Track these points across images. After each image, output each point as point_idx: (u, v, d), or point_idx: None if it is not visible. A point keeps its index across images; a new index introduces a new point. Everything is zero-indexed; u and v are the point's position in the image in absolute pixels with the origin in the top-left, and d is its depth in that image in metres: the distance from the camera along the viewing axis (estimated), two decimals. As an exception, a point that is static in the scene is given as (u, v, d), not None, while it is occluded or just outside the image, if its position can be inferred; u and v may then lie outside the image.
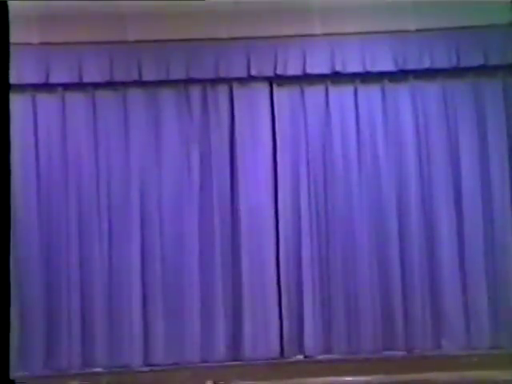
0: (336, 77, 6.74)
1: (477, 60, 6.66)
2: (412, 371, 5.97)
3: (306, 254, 6.63)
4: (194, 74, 6.62)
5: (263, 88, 6.81)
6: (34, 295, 6.37)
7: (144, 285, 6.53)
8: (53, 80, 6.49)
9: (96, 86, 6.61)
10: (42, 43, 6.40)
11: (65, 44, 6.42)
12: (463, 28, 6.59)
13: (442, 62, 6.68)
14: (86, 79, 6.52)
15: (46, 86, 6.50)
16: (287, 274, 6.65)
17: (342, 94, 6.81)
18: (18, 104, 5.79)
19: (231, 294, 6.57)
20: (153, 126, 6.68)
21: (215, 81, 6.70)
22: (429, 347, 6.52)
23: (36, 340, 6.32)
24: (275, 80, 6.78)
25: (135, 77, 6.57)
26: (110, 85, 6.60)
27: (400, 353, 6.51)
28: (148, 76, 6.58)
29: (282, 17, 6.49)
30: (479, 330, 6.53)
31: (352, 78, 6.77)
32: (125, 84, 6.64)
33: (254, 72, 6.66)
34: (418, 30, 6.62)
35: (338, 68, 6.68)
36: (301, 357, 6.55)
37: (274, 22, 6.49)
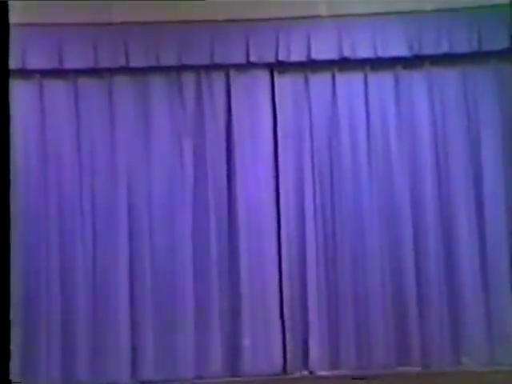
0: (344, 63, 6.54)
1: (501, 43, 6.33)
2: None
3: (310, 257, 6.40)
4: (187, 60, 6.42)
5: (263, 75, 6.60)
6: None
7: (132, 292, 6.26)
8: (29, 65, 6.21)
9: (78, 72, 6.38)
10: (16, 24, 5.85)
11: (43, 25, 6.16)
12: (486, 7, 6.35)
13: (461, 46, 6.46)
14: (66, 65, 6.29)
15: (22, 72, 6.17)
16: (290, 279, 6.39)
17: (350, 81, 6.61)
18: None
19: (228, 303, 6.34)
20: (142, 116, 6.46)
21: (210, 67, 6.51)
22: (447, 363, 6.25)
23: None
24: (276, 67, 6.57)
25: (122, 63, 6.36)
26: (93, 71, 6.39)
27: (415, 369, 6.23)
28: (136, 62, 6.38)
29: (284, -3, 6.28)
30: (504, 344, 6.21)
31: (361, 64, 6.55)
32: (110, 71, 6.42)
33: (253, 58, 6.46)
34: (434, 11, 6.41)
35: (346, 53, 6.48)
36: (305, 373, 6.30)
37: (276, 3, 6.32)
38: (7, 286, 2.82)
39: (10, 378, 5.09)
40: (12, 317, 5.63)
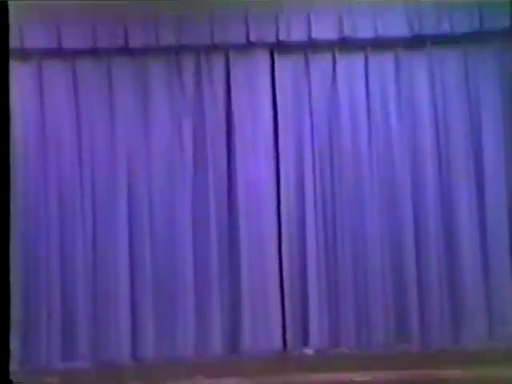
0: (344, 43, 6.50)
1: (501, 23, 6.32)
2: (428, 367, 5.66)
3: (310, 236, 6.39)
4: (186, 41, 6.37)
5: (263, 56, 6.55)
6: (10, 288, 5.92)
7: (132, 271, 6.25)
8: (27, 45, 6.17)
9: (77, 52, 6.32)
10: (15, 4, 5.89)
11: (41, 6, 6.08)
12: (486, -13, 6.35)
13: (462, 26, 6.42)
14: (65, 45, 6.24)
15: (20, 52, 6.12)
16: (290, 258, 6.39)
17: (350, 62, 6.56)
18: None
19: (228, 281, 6.33)
20: (141, 98, 6.41)
21: (210, 48, 6.45)
22: (447, 341, 6.25)
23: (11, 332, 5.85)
24: (277, 47, 6.53)
25: (121, 44, 6.30)
26: (92, 52, 6.33)
27: (415, 348, 6.23)
28: (135, 43, 6.31)
29: (284, -24, 6.23)
30: (503, 323, 6.21)
31: (362, 44, 6.51)
32: (109, 52, 6.37)
33: (253, 38, 6.40)
34: (435, -9, 6.33)
35: (347, 33, 6.43)
36: (305, 351, 6.27)
37: (276, -18, 6.26)
38: (7, 286, 2.91)
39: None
40: (13, 298, 5.71)
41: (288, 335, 6.27)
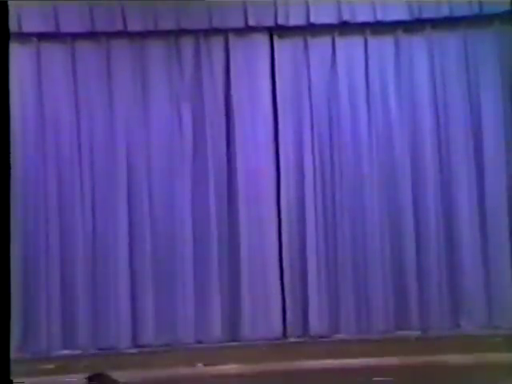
0: (344, 27, 6.44)
1: (501, 6, 6.24)
2: (427, 353, 5.69)
3: (310, 223, 6.36)
4: (185, 25, 6.31)
5: (263, 40, 6.51)
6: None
7: (132, 257, 6.22)
8: (26, 29, 6.10)
9: (75, 36, 6.28)
10: None
11: None
12: (486, -30, 6.26)
13: (462, 10, 6.39)
14: (63, 29, 6.18)
15: (18, 36, 6.03)
16: (290, 244, 6.36)
17: (350, 46, 6.52)
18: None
19: (228, 268, 6.30)
20: (139, 82, 6.36)
21: (209, 32, 6.41)
22: (446, 327, 6.27)
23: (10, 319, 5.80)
24: (276, 31, 6.48)
25: (119, 27, 6.25)
26: (91, 35, 6.29)
27: (414, 333, 6.25)
28: (134, 26, 6.27)
29: (283, -41, 6.13)
30: (502, 308, 6.20)
31: (362, 28, 6.46)
32: (108, 35, 6.34)
33: (252, 22, 6.35)
34: (435, -26, 6.27)
35: (346, 17, 6.37)
36: (305, 337, 6.26)
37: (275, -35, 6.23)
38: (7, 284, 2.79)
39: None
40: (12, 287, 5.68)
41: (288, 322, 6.24)
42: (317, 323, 6.22)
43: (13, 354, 5.59)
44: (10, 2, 5.81)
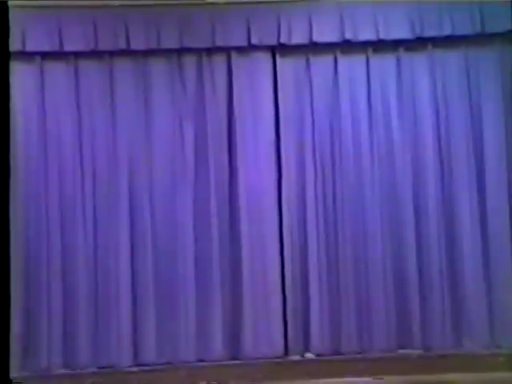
0: (346, 45, 6.45)
1: (503, 25, 6.25)
2: (429, 372, 5.73)
3: (312, 240, 6.34)
4: (188, 43, 6.31)
5: (265, 58, 6.50)
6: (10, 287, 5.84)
7: (133, 276, 6.18)
8: (30, 48, 6.12)
9: (78, 54, 6.28)
10: (16, 6, 5.81)
11: (43, 8, 6.10)
12: (488, -11, 6.30)
13: (464, 29, 6.38)
14: (67, 47, 6.19)
15: (22, 55, 6.09)
16: (292, 263, 6.32)
17: (352, 64, 6.51)
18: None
19: (230, 286, 6.27)
20: (142, 100, 6.34)
21: (211, 50, 6.40)
22: (448, 345, 6.20)
23: (11, 337, 5.76)
24: (278, 49, 6.48)
25: (122, 45, 6.25)
26: (94, 54, 6.28)
27: (416, 351, 6.19)
28: (136, 44, 6.26)
29: (285, -22, 6.16)
30: (504, 328, 6.15)
31: (364, 46, 6.47)
32: (111, 53, 6.32)
33: (254, 40, 6.36)
34: (437, -8, 6.30)
35: (348, 36, 6.38)
36: (307, 356, 6.23)
37: (277, -16, 6.27)
38: (7, 285, 2.85)
39: (11, 375, 5.04)
40: (13, 304, 5.68)
41: (289, 340, 6.21)
42: (318, 342, 6.19)
43: (13, 373, 5.63)
44: (14, 22, 5.87)
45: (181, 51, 6.34)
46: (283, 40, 6.32)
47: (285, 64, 6.45)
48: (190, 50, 6.33)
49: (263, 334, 6.18)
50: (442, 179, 6.36)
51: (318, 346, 6.20)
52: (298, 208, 6.35)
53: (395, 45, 6.42)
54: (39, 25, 6.09)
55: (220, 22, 6.26)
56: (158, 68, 6.36)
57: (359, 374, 5.83)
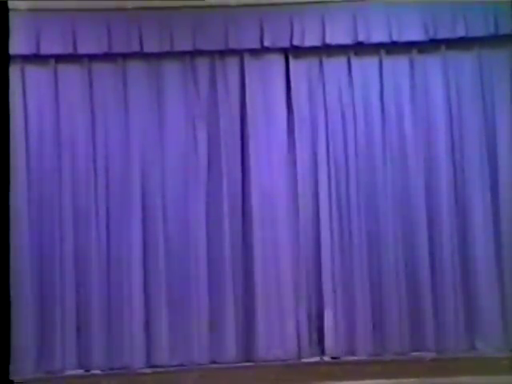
0: (359, 47, 6.42)
1: (518, 26, 6.24)
2: (443, 374, 5.71)
3: (325, 242, 6.30)
4: (201, 45, 6.29)
5: (278, 60, 6.46)
6: (24, 289, 5.96)
7: (146, 277, 6.18)
8: (44, 51, 6.16)
9: (92, 57, 6.27)
10: (30, 9, 6.03)
11: (56, 11, 6.11)
12: (501, -9, 6.26)
13: (477, 30, 6.33)
14: (80, 50, 6.20)
15: (37, 58, 6.15)
16: (305, 265, 6.29)
17: (365, 66, 6.47)
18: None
19: (243, 288, 6.25)
20: (155, 102, 6.34)
21: (224, 52, 6.39)
22: (461, 348, 6.16)
23: (26, 339, 5.90)
24: (291, 51, 6.44)
25: (136, 48, 6.24)
26: (107, 57, 6.27)
27: (430, 354, 6.13)
28: (150, 47, 6.26)
29: (298, -20, 6.14)
30: (518, 331, 6.13)
31: (377, 48, 6.43)
32: (124, 56, 6.32)
33: (267, 43, 6.33)
34: (450, -6, 6.26)
35: (361, 38, 6.35)
36: (320, 358, 6.21)
37: (290, -13, 6.22)
38: (7, 286, 2.84)
39: (25, 376, 5.04)
40: (26, 305, 5.65)
41: (303, 342, 6.18)
42: (332, 344, 6.16)
43: (27, 374, 5.69)
44: (28, 25, 5.95)
45: (194, 53, 6.33)
46: (296, 42, 6.31)
47: (298, 66, 6.43)
48: (202, 53, 6.32)
49: (276, 336, 6.15)
50: (454, 179, 6.33)
51: (331, 348, 6.17)
52: (311, 209, 6.33)
53: (408, 46, 6.39)
54: (53, 28, 6.11)
55: (233, 24, 6.25)
56: (171, 70, 6.35)
57: (373, 376, 5.80)
